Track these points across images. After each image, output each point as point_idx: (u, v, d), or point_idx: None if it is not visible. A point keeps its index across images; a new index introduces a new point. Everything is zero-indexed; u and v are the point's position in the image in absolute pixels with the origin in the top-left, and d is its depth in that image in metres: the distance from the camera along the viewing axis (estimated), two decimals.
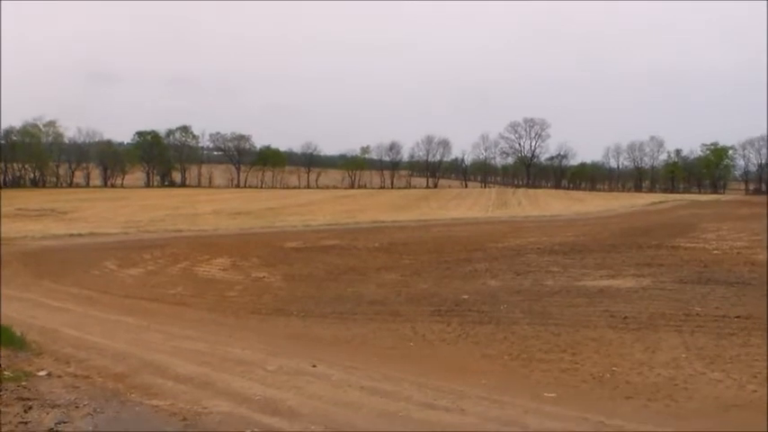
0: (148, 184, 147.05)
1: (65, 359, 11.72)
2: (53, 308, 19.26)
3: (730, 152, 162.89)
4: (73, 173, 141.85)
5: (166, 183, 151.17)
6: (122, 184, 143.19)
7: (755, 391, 10.69)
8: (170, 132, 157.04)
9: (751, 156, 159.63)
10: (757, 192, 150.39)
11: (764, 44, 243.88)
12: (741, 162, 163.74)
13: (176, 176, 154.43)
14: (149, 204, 75.43)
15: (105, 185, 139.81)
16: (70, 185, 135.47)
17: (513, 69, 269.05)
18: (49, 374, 10.24)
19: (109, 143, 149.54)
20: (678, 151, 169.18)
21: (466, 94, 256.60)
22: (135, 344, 13.82)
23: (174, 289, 22.89)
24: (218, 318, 18.21)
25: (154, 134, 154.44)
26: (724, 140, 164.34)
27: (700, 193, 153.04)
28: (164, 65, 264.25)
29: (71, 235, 39.57)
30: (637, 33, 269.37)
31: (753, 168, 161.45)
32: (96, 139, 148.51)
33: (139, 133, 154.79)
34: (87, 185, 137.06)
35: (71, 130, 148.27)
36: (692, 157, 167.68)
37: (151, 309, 19.63)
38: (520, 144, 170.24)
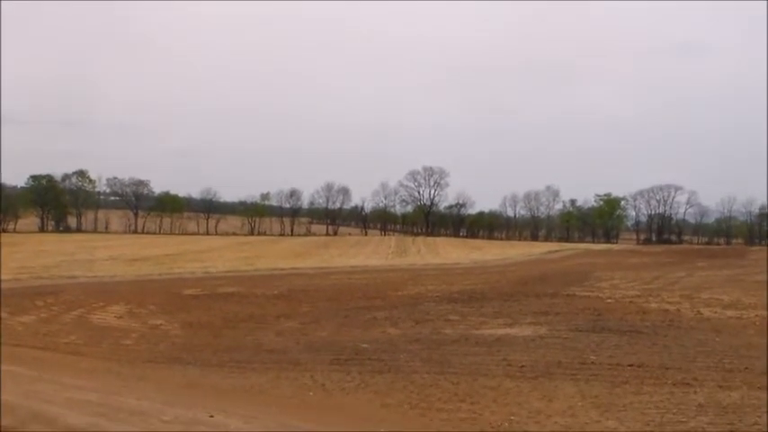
0: (43, 229, 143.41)
1: None
2: None
3: (622, 203, 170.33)
4: None
5: (61, 228, 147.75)
6: (15, 228, 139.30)
7: None
8: (66, 177, 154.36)
9: (641, 206, 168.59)
10: (647, 241, 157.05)
11: (661, 96, 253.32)
12: (632, 212, 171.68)
13: (72, 221, 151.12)
14: (43, 250, 73.37)
15: None
16: None
17: (413, 117, 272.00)
18: None
19: (0, 186, 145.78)
20: (573, 201, 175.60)
21: (365, 141, 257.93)
22: (24, 395, 13.29)
23: (67, 337, 22.20)
24: (113, 367, 17.71)
25: (49, 178, 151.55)
26: (616, 191, 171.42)
27: (593, 242, 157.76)
28: (56, 107, 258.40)
29: None
30: (536, 83, 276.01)
31: (643, 219, 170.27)
32: None
33: (34, 177, 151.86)
34: None
35: None
36: (587, 206, 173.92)
37: (43, 358, 18.95)
38: (419, 192, 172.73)
